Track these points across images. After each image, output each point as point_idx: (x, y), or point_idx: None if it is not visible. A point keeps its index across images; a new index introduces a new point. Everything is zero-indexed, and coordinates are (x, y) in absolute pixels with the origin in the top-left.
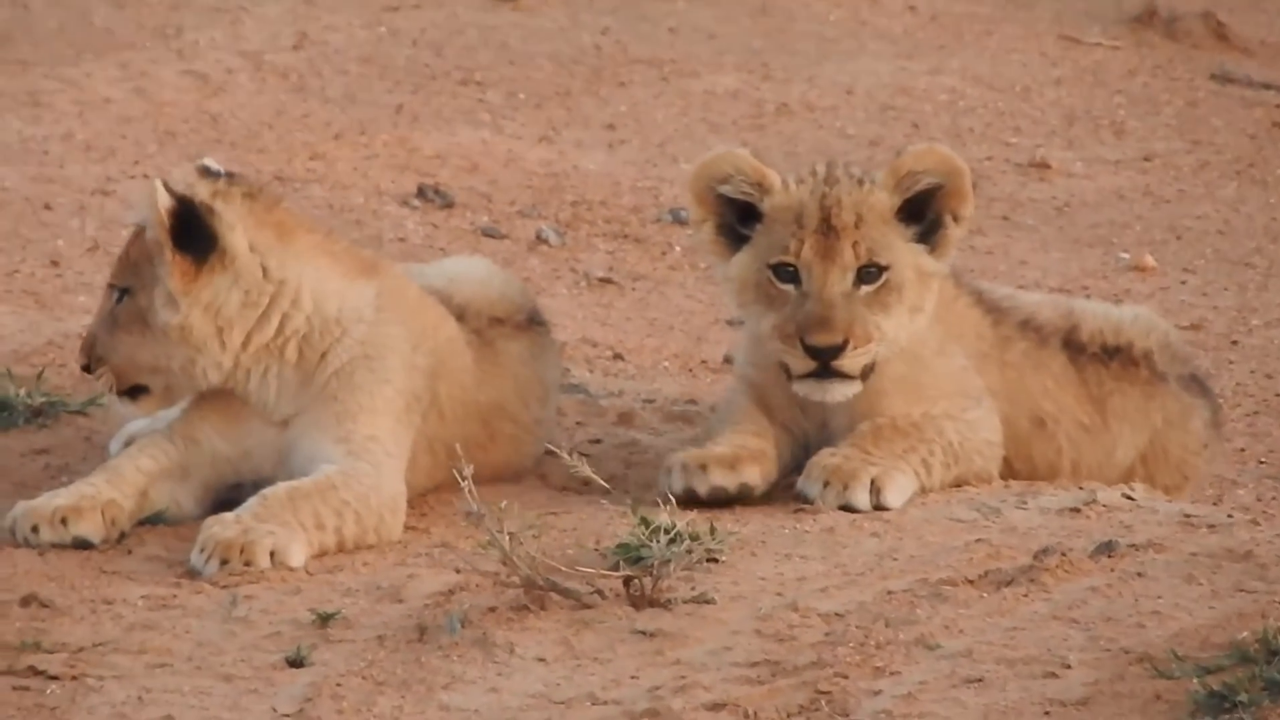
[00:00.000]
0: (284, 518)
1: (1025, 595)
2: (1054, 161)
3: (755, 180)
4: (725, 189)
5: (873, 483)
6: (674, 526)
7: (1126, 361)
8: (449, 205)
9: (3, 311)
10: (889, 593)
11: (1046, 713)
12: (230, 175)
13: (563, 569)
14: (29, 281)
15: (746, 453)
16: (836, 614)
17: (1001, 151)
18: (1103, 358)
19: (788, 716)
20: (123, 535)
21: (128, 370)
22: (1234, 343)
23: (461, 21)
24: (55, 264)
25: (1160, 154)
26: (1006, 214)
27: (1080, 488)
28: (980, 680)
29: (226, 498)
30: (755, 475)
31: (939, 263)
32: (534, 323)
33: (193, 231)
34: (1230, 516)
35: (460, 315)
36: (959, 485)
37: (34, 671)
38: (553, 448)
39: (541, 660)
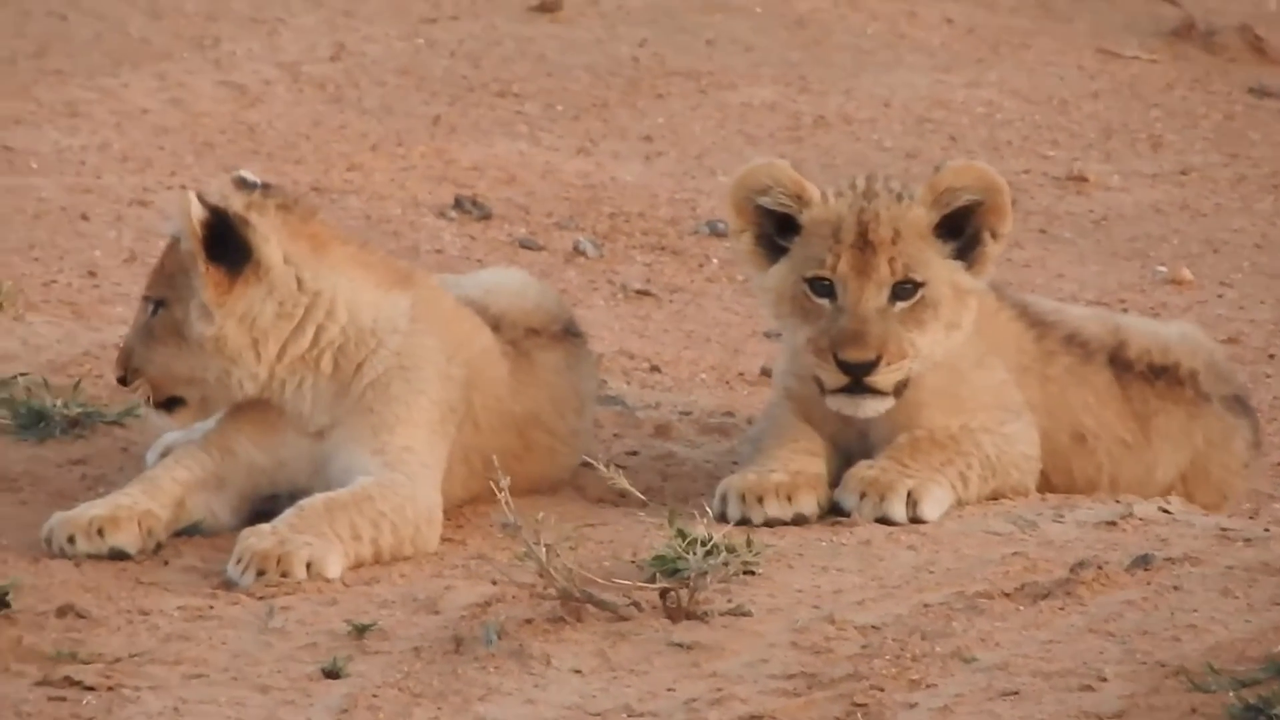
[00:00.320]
0: (320, 529)
1: (1061, 608)
2: (1091, 175)
3: (794, 192)
4: (764, 200)
5: (909, 495)
6: (710, 539)
7: (1172, 381)
8: (486, 217)
9: (40, 322)
10: (925, 605)
11: None
12: (266, 187)
13: (599, 581)
14: (66, 292)
15: (804, 479)
16: (873, 626)
17: (1039, 165)
18: (1149, 376)
19: None
20: (159, 546)
21: (164, 382)
22: (1271, 356)
23: (499, 33)
24: (92, 274)
25: (1197, 167)
26: (1044, 227)
27: (1117, 501)
28: (1016, 693)
29: (263, 509)
30: (811, 504)
31: (976, 279)
32: (570, 334)
33: (227, 243)
34: (1267, 530)
35: (496, 326)
36: (995, 498)
37: (70, 682)
38: (589, 459)
39: (578, 672)
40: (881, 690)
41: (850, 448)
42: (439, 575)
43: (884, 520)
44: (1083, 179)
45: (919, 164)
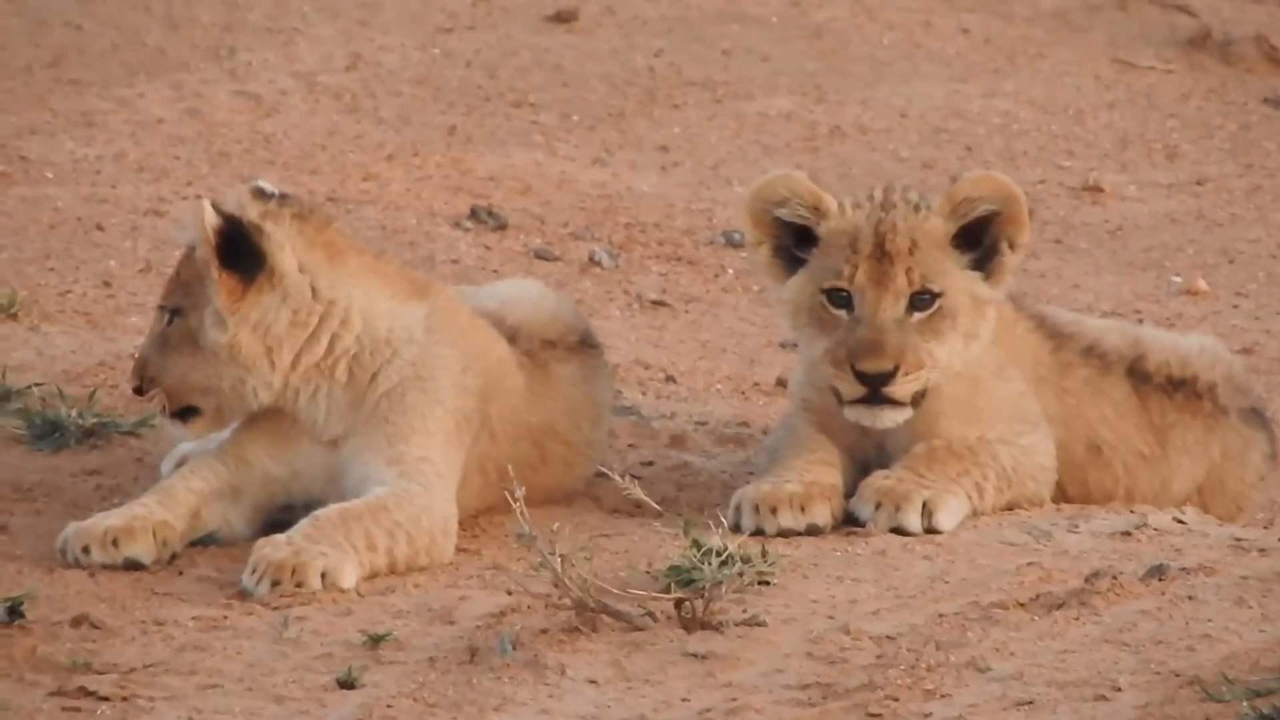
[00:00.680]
0: (335, 539)
1: (1076, 618)
2: (1107, 185)
3: (811, 204)
4: (781, 212)
5: (925, 505)
6: (725, 549)
7: (1191, 394)
8: (502, 227)
9: (55, 331)
10: (940, 615)
11: None
12: (283, 196)
13: (614, 591)
14: (81, 302)
15: (818, 490)
16: (888, 636)
17: (1054, 175)
18: (1167, 389)
19: None
20: (174, 556)
21: (179, 391)
22: None
23: (515, 43)
24: (107, 284)
25: (1213, 177)
26: (1059, 237)
27: (1131, 511)
28: (1031, 703)
29: (278, 519)
30: (825, 514)
31: (994, 290)
32: (586, 345)
33: (241, 251)
34: None
35: (512, 337)
36: (1010, 508)
37: (85, 692)
38: (604, 470)
39: (593, 682)
40: (896, 700)
41: (868, 458)
42: (454, 585)
43: (899, 530)
44: (1098, 189)
45: (935, 174)
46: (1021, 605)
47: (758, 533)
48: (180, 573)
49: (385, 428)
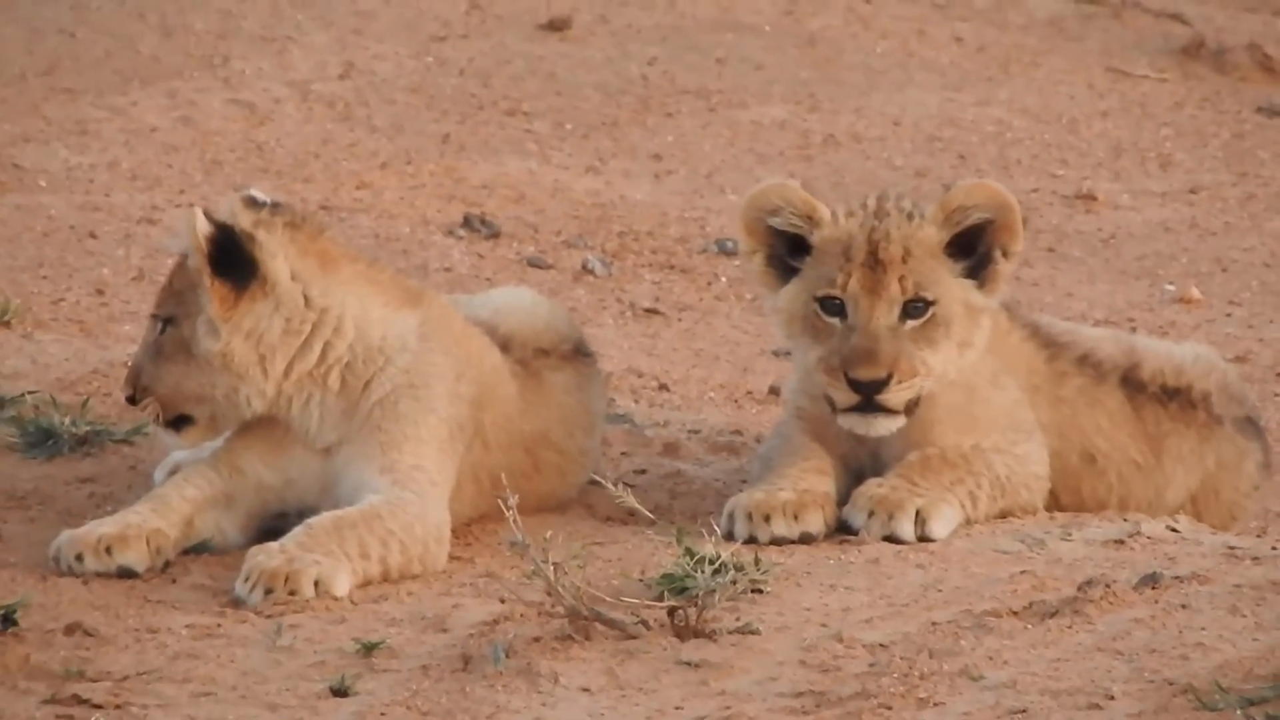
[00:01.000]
0: (329, 547)
1: (1069, 627)
2: (1100, 193)
3: (805, 213)
4: (775, 221)
5: (918, 513)
6: (719, 557)
7: (1185, 404)
8: (495, 235)
9: (48, 339)
10: (933, 624)
11: None
12: (276, 205)
13: (607, 599)
14: (74, 310)
15: (811, 498)
16: (881, 645)
17: (1048, 183)
18: (1162, 398)
19: None
20: (167, 564)
21: (173, 400)
22: (1279, 375)
23: (509, 51)
24: (101, 292)
25: (1207, 186)
26: (1053, 245)
27: (1125, 519)
28: (1024, 711)
29: (271, 526)
30: (818, 522)
31: (988, 298)
32: (579, 353)
33: (233, 259)
34: (1275, 549)
35: (505, 346)
36: (1004, 517)
37: (78, 700)
38: (598, 478)
39: (586, 690)
40: (889, 709)
41: (862, 466)
42: (447, 593)
43: (892, 538)
44: (1092, 197)
45: (929, 182)
46: (1015, 613)
47: (751, 540)
48: (174, 580)
49: (378, 436)
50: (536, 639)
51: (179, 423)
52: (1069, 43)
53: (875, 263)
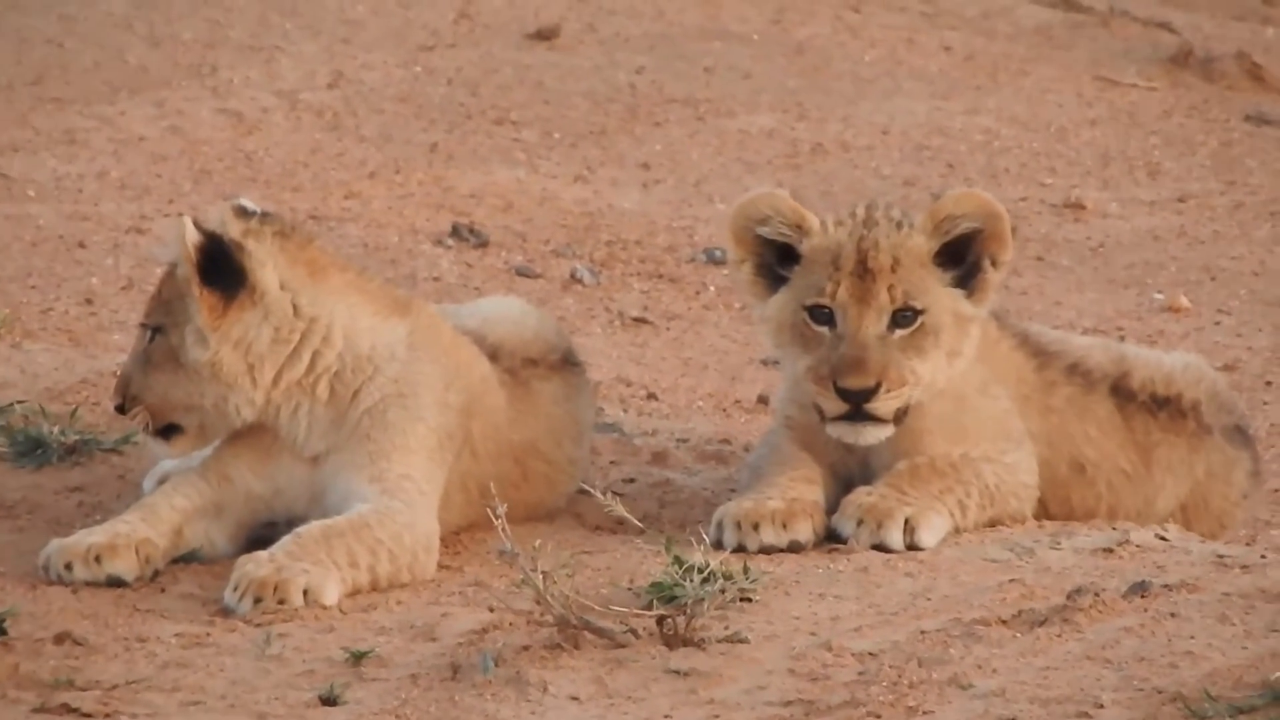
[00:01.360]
0: (318, 556)
1: (1058, 635)
2: (1089, 202)
3: (794, 222)
4: (764, 230)
5: (907, 522)
6: (708, 566)
7: (1175, 413)
8: (484, 244)
9: (37, 349)
10: (922, 632)
11: None
12: (265, 214)
13: (596, 608)
14: (63, 319)
15: (800, 506)
16: (870, 653)
17: (1037, 192)
18: (1151, 407)
19: None
20: (157, 573)
21: (162, 409)
22: (1268, 383)
23: (497, 60)
24: (89, 302)
25: (1195, 195)
26: (1041, 254)
27: (1114, 528)
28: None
29: (260, 535)
30: (807, 531)
31: (977, 307)
32: (568, 362)
33: (222, 268)
34: (1264, 557)
35: (494, 355)
36: (993, 525)
37: (67, 709)
38: (587, 487)
39: (575, 699)
40: (879, 717)
41: (851, 475)
42: (436, 602)
43: (881, 547)
44: (1080, 206)
45: (917, 191)
46: (1004, 622)
47: (739, 549)
48: (163, 590)
49: (367, 445)
50: (525, 648)
51: (168, 432)
52: (1057, 51)
53: (864, 272)
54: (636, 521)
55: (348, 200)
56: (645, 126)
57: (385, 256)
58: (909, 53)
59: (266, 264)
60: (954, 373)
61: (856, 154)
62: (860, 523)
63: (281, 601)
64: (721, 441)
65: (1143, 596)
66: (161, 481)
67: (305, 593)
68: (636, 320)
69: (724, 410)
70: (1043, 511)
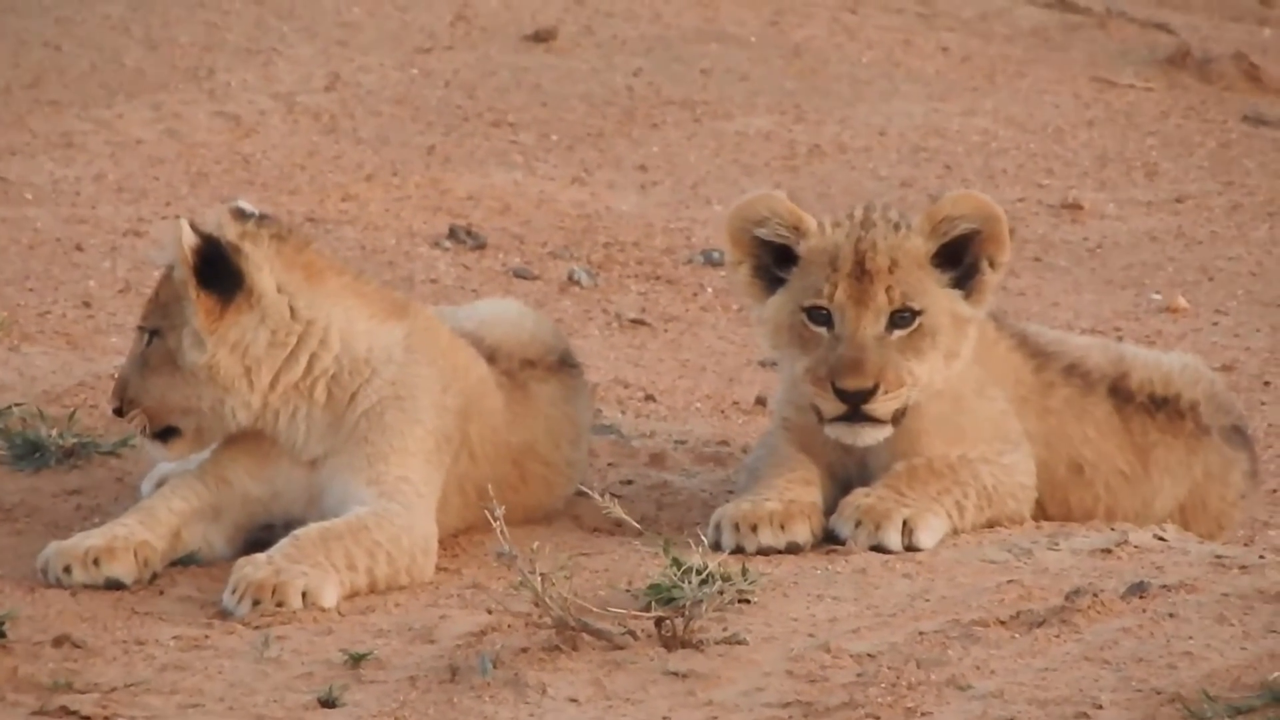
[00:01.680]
0: (316, 558)
1: (1057, 636)
2: (1086, 203)
3: (791, 224)
4: (761, 232)
5: (905, 524)
6: (706, 567)
7: (1173, 414)
8: (481, 246)
9: (35, 352)
10: (920, 634)
11: None
12: (262, 217)
13: (595, 610)
14: (61, 322)
15: (797, 508)
16: (868, 655)
17: (1034, 193)
18: (1149, 408)
19: None
20: (155, 576)
21: (159, 412)
22: (1266, 384)
23: (494, 63)
24: (87, 305)
25: (1193, 195)
26: (1039, 255)
27: (1112, 529)
28: None
29: (258, 538)
30: (805, 532)
31: (975, 308)
32: (566, 364)
33: (219, 271)
34: (1262, 557)
35: (492, 357)
36: (991, 526)
37: (66, 712)
38: (584, 489)
39: (573, 701)
40: (877, 718)
41: (849, 476)
42: (434, 604)
43: (879, 548)
44: (1078, 207)
45: (914, 193)
46: (1002, 623)
47: (737, 551)
48: (161, 592)
49: (365, 447)
50: (524, 650)
51: (166, 435)
52: (1054, 53)
53: (862, 273)
54: (634, 523)
55: (345, 203)
56: (642, 129)
57: (382, 259)
58: (906, 54)
59: (263, 267)
60: (951, 374)
61: (854, 155)
62: (858, 524)
63: (280, 604)
64: (719, 443)
65: (1141, 597)
66: (160, 484)
67: (304, 595)
68: (634, 322)
69: (722, 412)
70: (1041, 513)
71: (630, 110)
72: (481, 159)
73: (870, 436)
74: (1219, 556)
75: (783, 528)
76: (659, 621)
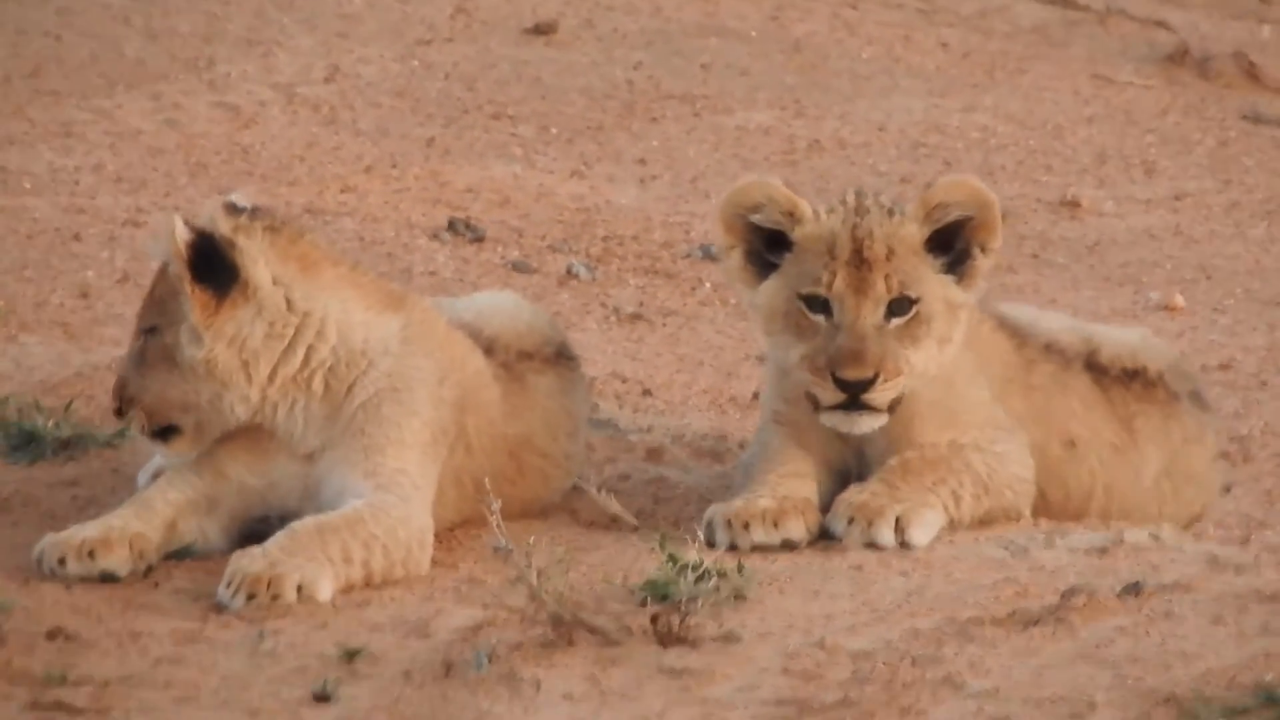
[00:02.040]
0: (311, 551)
1: (1052, 635)
2: (1085, 200)
3: (786, 209)
4: (756, 217)
5: (898, 520)
6: (701, 563)
7: (1146, 383)
8: (480, 239)
9: (32, 342)
10: (916, 631)
11: None
12: (255, 210)
13: (590, 605)
14: (58, 312)
15: (791, 504)
16: (864, 652)
17: (1033, 190)
18: (1124, 379)
19: None
20: (150, 568)
21: (159, 409)
22: (1263, 383)
23: (494, 55)
24: (85, 295)
25: (1191, 193)
26: (1037, 252)
27: (1108, 528)
28: (1006, 719)
29: (254, 531)
30: (799, 529)
31: (967, 294)
32: (563, 357)
33: (214, 265)
34: (1257, 557)
35: (489, 349)
36: (989, 521)
37: (60, 705)
38: (581, 483)
39: (568, 697)
40: (872, 716)
41: (845, 465)
42: (430, 598)
43: (872, 545)
44: (1076, 204)
45: (913, 188)
46: (998, 621)
47: (732, 549)
48: (156, 585)
49: (361, 440)
50: (519, 645)
51: (166, 433)
52: (1054, 49)
53: (860, 261)
54: (631, 518)
55: (344, 194)
56: (642, 122)
57: (381, 251)
58: (906, 50)
59: (258, 260)
60: (945, 359)
61: (853, 151)
62: (851, 521)
63: (275, 597)
64: (717, 438)
65: (1137, 596)
66: (156, 476)
67: (299, 588)
68: (632, 316)
69: (719, 406)
70: (1041, 500)
71: (630, 104)
72: (481, 151)
73: (866, 425)
74: (1215, 556)
75: (775, 525)
76: (654, 617)
